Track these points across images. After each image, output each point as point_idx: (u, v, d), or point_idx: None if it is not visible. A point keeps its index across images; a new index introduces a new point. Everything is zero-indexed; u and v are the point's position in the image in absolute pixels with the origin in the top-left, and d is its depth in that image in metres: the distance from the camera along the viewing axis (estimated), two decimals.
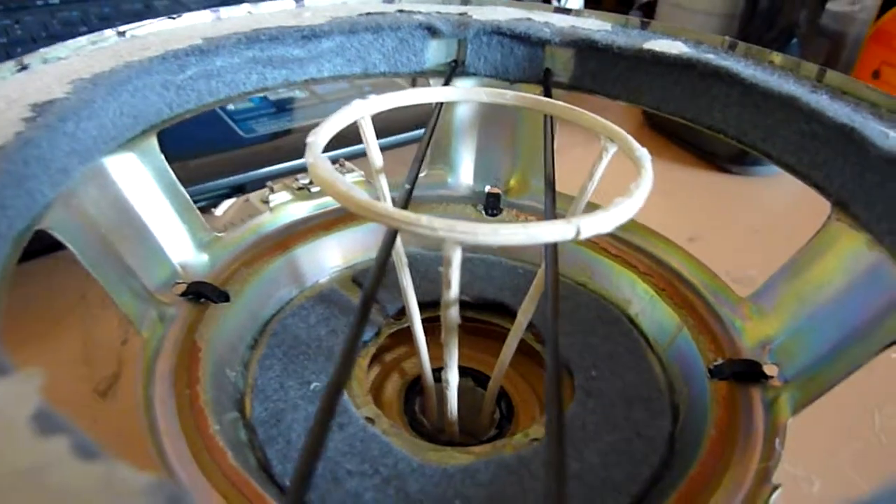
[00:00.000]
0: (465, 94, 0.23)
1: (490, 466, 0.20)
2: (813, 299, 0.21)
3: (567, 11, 0.30)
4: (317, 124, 0.50)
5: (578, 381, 0.23)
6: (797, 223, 0.45)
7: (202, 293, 0.23)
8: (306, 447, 0.12)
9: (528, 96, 0.22)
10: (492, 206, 0.29)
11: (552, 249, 0.18)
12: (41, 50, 0.23)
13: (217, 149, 0.43)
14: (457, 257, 0.16)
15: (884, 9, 0.49)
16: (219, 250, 0.25)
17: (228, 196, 0.43)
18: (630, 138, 0.20)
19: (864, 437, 0.29)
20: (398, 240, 0.22)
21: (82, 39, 0.24)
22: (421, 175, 0.30)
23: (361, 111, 0.21)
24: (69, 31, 0.54)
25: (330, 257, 0.27)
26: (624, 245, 0.27)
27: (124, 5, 0.59)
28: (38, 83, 0.21)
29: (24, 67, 0.22)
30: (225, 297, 0.23)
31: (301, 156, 0.47)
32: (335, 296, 0.26)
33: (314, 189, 0.28)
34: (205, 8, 0.62)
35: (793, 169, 0.23)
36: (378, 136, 0.34)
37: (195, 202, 0.43)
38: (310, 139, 0.18)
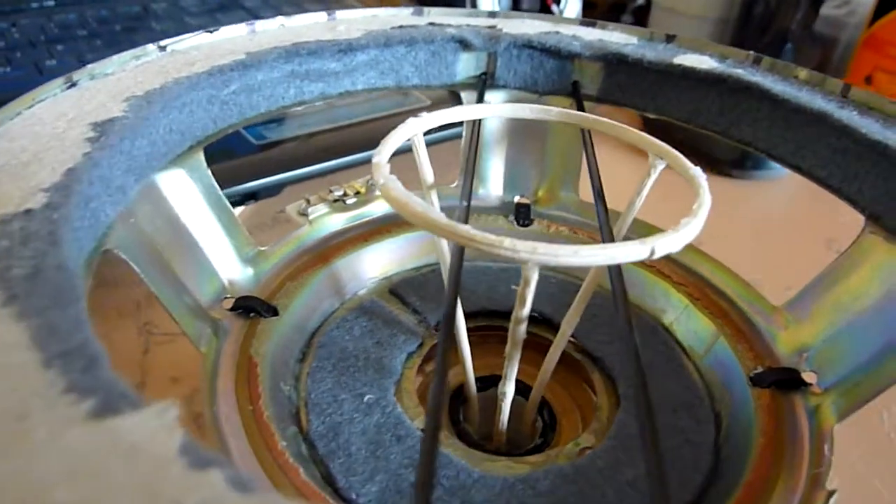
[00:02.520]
0: (512, 111, 0.23)
1: (549, 476, 0.20)
2: (850, 309, 0.22)
3: (593, 24, 0.31)
4: (326, 130, 0.50)
5: (622, 389, 0.24)
6: (800, 226, 0.47)
7: (252, 307, 0.23)
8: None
9: (575, 113, 0.23)
10: (523, 217, 0.30)
11: (618, 267, 0.19)
12: (88, 66, 0.23)
13: (228, 155, 0.43)
14: (534, 278, 0.17)
15: (877, 14, 0.51)
16: (263, 264, 0.25)
17: (240, 203, 0.43)
18: (681, 156, 0.20)
19: (873, 436, 0.30)
20: (446, 251, 0.23)
21: (126, 54, 0.24)
22: (451, 186, 0.30)
23: (415, 128, 0.21)
24: (68, 34, 0.53)
25: (367, 269, 0.27)
26: None
27: (121, 8, 0.58)
28: (93, 101, 0.21)
29: (73, 84, 0.22)
30: (274, 312, 0.24)
31: (312, 161, 0.46)
32: (375, 307, 0.26)
33: (350, 201, 0.28)
34: (203, 13, 0.62)
35: (824, 182, 0.24)
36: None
37: None
38: (375, 160, 0.19)
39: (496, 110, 0.23)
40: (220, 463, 0.10)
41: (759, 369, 0.23)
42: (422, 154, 0.22)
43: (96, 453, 0.10)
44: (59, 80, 0.22)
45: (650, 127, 0.55)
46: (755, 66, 0.27)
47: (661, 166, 0.21)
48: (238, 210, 0.44)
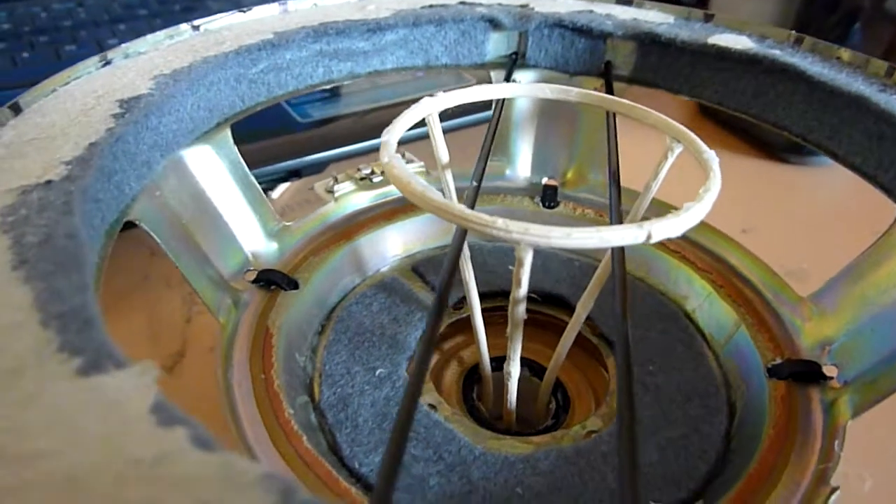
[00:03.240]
0: (531, 91, 0.23)
1: (550, 456, 0.20)
2: (877, 302, 0.21)
3: (629, 2, 0.30)
4: (370, 109, 0.50)
5: (636, 375, 0.23)
6: (855, 216, 0.45)
7: (273, 280, 0.24)
8: (390, 446, 0.13)
9: (594, 94, 0.22)
10: (549, 199, 0.30)
11: (620, 250, 0.19)
12: (123, 45, 0.24)
13: (274, 133, 0.44)
14: (528, 259, 0.17)
15: None
16: (287, 239, 0.26)
17: (285, 180, 0.44)
18: (697, 139, 0.20)
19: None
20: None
21: (160, 34, 0.25)
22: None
23: (430, 108, 0.21)
24: (129, 14, 0.55)
25: (391, 246, 0.28)
26: (682, 240, 0.27)
27: None
28: (124, 79, 0.22)
29: (107, 62, 0.23)
30: (294, 285, 0.24)
31: (356, 140, 0.47)
32: (396, 284, 0.27)
33: (376, 179, 0.29)
34: None
35: (859, 169, 0.23)
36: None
37: None
38: (384, 138, 0.19)
39: (514, 90, 0.23)
40: (188, 422, 0.11)
41: (778, 360, 0.22)
42: (437, 133, 0.22)
43: (76, 407, 0.11)
44: (95, 59, 0.23)
45: (705, 110, 0.54)
46: (796, 47, 0.26)
47: (678, 149, 0.21)
48: (283, 186, 0.46)
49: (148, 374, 0.12)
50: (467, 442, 0.21)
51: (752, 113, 0.26)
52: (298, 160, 0.42)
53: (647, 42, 0.27)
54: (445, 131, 0.42)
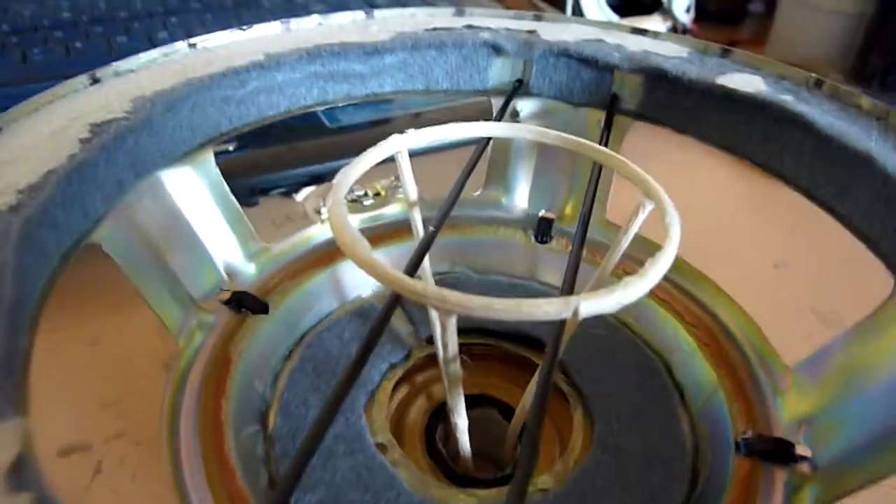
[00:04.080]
0: (508, 131, 0.22)
1: None
2: (863, 383, 0.20)
3: (643, 33, 0.29)
4: (401, 116, 0.49)
5: (598, 432, 0.22)
6: None
7: (242, 303, 0.24)
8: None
9: (572, 138, 0.21)
10: (543, 233, 0.29)
11: (560, 325, 0.18)
12: (115, 63, 0.24)
13: (302, 137, 0.44)
14: (451, 324, 0.16)
15: None
16: (266, 261, 0.26)
17: (309, 184, 0.44)
18: (666, 198, 0.19)
19: None
20: (427, 265, 0.23)
21: (154, 52, 0.25)
22: (475, 194, 0.30)
23: (399, 145, 0.21)
24: (183, 7, 0.57)
25: None
26: (674, 289, 0.26)
27: None
28: (103, 100, 0.22)
29: (96, 81, 0.24)
30: (264, 309, 0.24)
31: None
32: (373, 312, 0.26)
33: (367, 202, 0.29)
34: None
35: (863, 234, 0.21)
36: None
37: (277, 188, 0.44)
38: (336, 179, 0.19)
39: (490, 129, 0.22)
40: (37, 487, 0.11)
41: (749, 434, 0.21)
42: (405, 171, 0.22)
43: None
44: (84, 77, 0.23)
45: None
46: (813, 91, 0.24)
47: (650, 206, 0.20)
48: (308, 190, 0.46)
49: (15, 431, 0.12)
50: (407, 490, 0.20)
51: (758, 161, 0.24)
52: (324, 165, 0.42)
53: (654, 77, 0.26)
54: (447, 148, 0.41)
